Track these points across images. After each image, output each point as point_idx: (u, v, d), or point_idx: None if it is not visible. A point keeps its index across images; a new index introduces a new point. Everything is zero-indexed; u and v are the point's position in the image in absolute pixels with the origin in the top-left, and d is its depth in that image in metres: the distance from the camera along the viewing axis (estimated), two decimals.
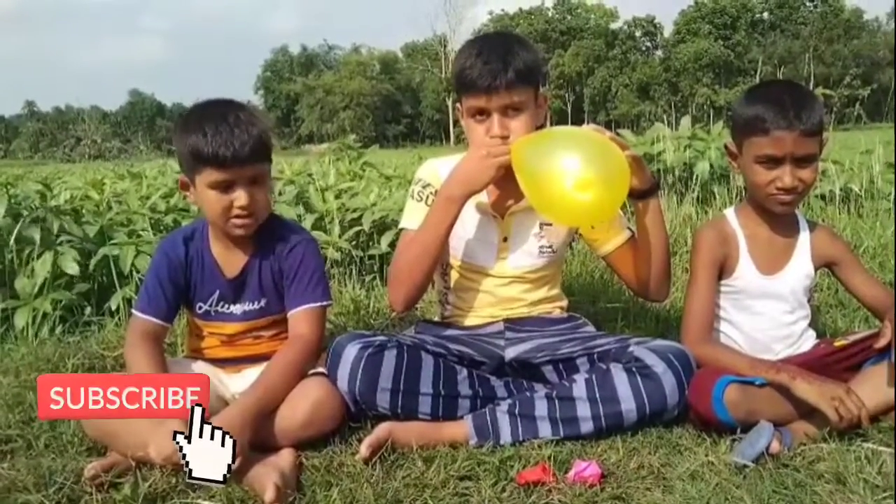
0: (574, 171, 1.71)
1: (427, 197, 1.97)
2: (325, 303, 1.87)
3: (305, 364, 1.79)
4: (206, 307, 1.88)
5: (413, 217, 1.97)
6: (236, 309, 1.88)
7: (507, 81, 1.78)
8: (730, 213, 1.95)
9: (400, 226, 2.02)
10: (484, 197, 1.94)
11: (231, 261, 1.86)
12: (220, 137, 1.67)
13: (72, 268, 2.87)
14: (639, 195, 1.85)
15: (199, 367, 1.89)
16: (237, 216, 1.75)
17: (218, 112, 1.73)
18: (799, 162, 1.75)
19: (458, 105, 1.94)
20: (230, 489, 1.51)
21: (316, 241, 1.97)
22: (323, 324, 1.88)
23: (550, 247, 2.01)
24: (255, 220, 1.79)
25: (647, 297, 2.07)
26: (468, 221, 1.97)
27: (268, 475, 1.48)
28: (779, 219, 1.87)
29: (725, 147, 1.94)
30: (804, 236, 1.91)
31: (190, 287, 1.87)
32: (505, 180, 1.82)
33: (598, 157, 1.74)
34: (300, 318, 1.84)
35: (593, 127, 1.81)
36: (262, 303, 1.88)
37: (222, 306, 1.88)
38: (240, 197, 1.73)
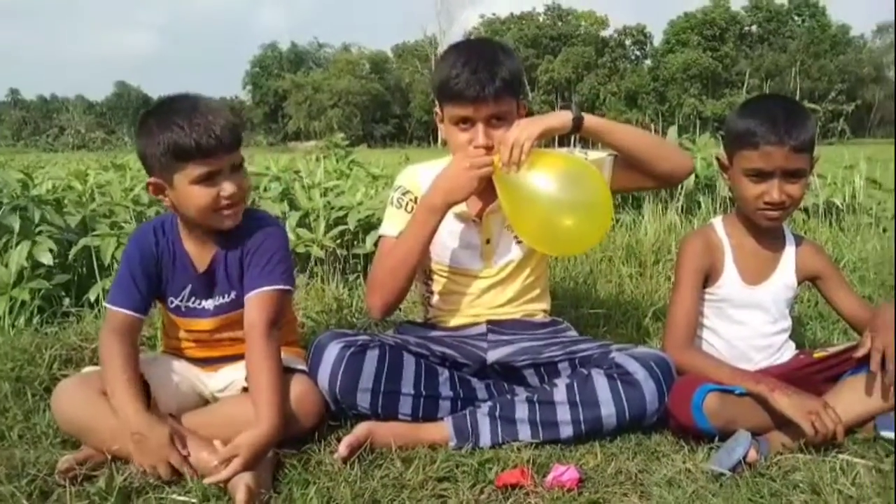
0: (556, 200, 1.75)
1: (406, 204, 1.97)
2: (279, 286, 1.75)
3: (273, 352, 1.69)
4: (177, 302, 1.84)
5: (393, 224, 1.97)
6: (208, 304, 1.84)
7: (494, 91, 1.78)
8: (717, 222, 1.96)
9: (379, 233, 2.02)
10: (463, 204, 1.94)
11: (201, 254, 1.82)
12: (198, 129, 1.62)
13: (46, 258, 2.83)
14: (574, 129, 1.81)
15: (177, 364, 1.87)
16: (226, 206, 1.70)
17: (184, 106, 1.68)
18: (788, 177, 1.76)
19: (436, 110, 1.94)
20: (205, 486, 1.49)
21: (282, 227, 1.91)
22: (277, 309, 1.74)
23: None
24: (241, 208, 1.75)
25: (677, 180, 1.98)
26: (449, 228, 1.97)
27: (240, 476, 1.46)
28: (765, 231, 1.89)
29: (717, 159, 1.95)
30: (790, 250, 1.93)
31: (162, 280, 1.82)
32: (483, 186, 1.83)
33: (581, 187, 1.77)
34: (251, 303, 1.74)
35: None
36: (233, 295, 1.83)
37: (194, 301, 1.84)
38: (226, 187, 1.68)
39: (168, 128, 1.63)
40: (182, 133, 1.62)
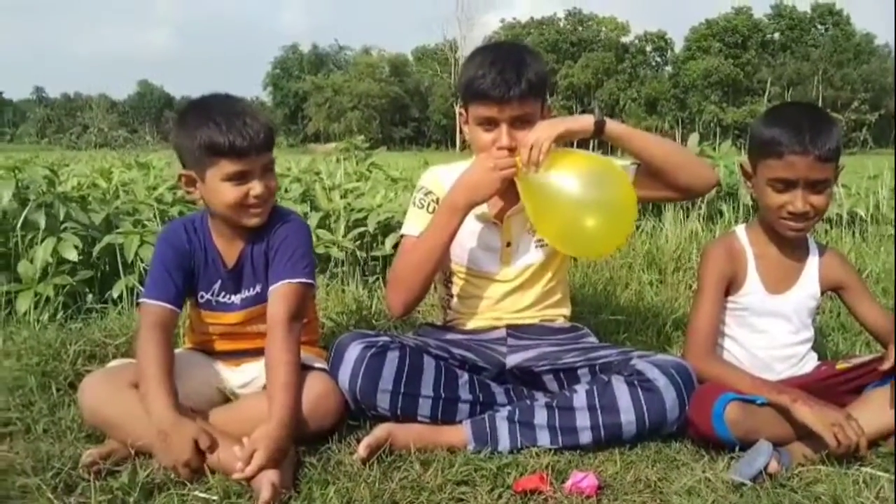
0: (579, 200, 1.75)
1: (429, 204, 1.98)
2: (303, 280, 1.79)
3: (293, 346, 1.71)
4: (207, 296, 1.87)
5: (414, 223, 1.97)
6: (236, 298, 1.87)
7: (520, 92, 1.79)
8: (740, 230, 1.95)
9: (401, 232, 2.03)
10: (484, 205, 1.94)
11: (230, 251, 1.86)
12: (234, 128, 1.68)
13: (71, 254, 2.87)
14: (596, 133, 1.81)
15: (201, 359, 1.90)
16: (253, 205, 1.75)
17: (224, 105, 1.75)
18: (812, 187, 1.75)
19: (461, 111, 1.95)
20: (227, 483, 1.51)
21: (306, 223, 1.95)
22: (299, 302, 1.78)
23: (542, 239, 2.00)
24: (268, 207, 1.80)
25: (699, 192, 1.98)
26: (470, 229, 1.98)
27: (265, 474, 1.48)
28: (789, 240, 1.87)
29: (740, 166, 1.94)
30: (813, 259, 1.92)
31: (194, 275, 1.87)
32: (505, 188, 1.84)
33: (604, 187, 1.77)
34: (274, 296, 1.77)
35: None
36: (258, 288, 1.86)
37: (223, 296, 1.87)
38: (255, 186, 1.73)
39: (205, 123, 1.69)
40: (218, 130, 1.68)
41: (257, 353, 1.84)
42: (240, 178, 1.72)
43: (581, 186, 1.76)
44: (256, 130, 1.71)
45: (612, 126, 1.82)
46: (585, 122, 1.81)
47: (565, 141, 1.84)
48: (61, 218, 3.06)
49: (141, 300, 1.81)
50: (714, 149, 5.23)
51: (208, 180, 1.74)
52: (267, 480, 1.45)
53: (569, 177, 1.75)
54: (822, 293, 1.93)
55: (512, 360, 1.93)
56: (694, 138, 5.30)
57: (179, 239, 1.85)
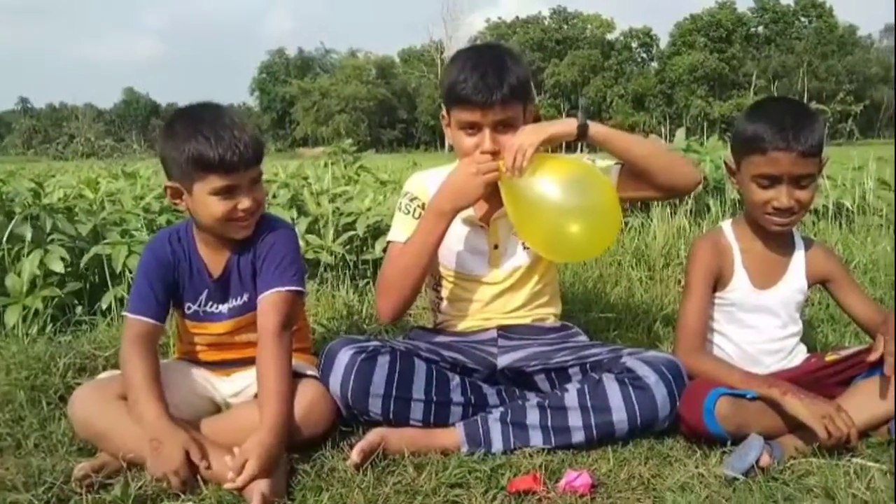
0: (562, 206, 1.76)
1: (414, 210, 1.98)
2: (292, 287, 1.77)
3: (283, 354, 1.70)
4: (194, 307, 1.86)
5: (400, 230, 1.97)
6: (224, 308, 1.86)
7: (502, 97, 1.78)
8: (726, 225, 1.96)
9: (388, 239, 2.03)
10: (470, 208, 1.94)
11: (216, 260, 1.84)
12: (224, 143, 1.65)
13: (58, 266, 2.85)
14: (580, 136, 1.81)
15: (190, 370, 1.89)
16: (241, 219, 1.73)
17: (212, 117, 1.71)
18: (796, 182, 1.76)
19: (443, 114, 1.95)
20: (220, 493, 1.50)
21: (294, 230, 1.93)
22: (289, 310, 1.76)
23: None
24: (255, 219, 1.78)
25: (683, 192, 1.99)
26: (457, 233, 1.98)
27: (256, 484, 1.47)
28: (774, 235, 1.88)
29: (724, 163, 1.95)
30: (799, 253, 1.93)
31: (178, 287, 1.85)
32: (490, 191, 1.84)
33: (587, 193, 1.78)
34: (264, 305, 1.75)
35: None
36: (245, 297, 1.85)
37: (210, 306, 1.86)
38: (243, 201, 1.71)
39: (194, 137, 1.65)
40: (207, 145, 1.64)
41: (247, 362, 1.83)
42: (228, 192, 1.70)
43: (563, 192, 1.76)
44: (246, 144, 1.67)
45: (595, 129, 1.82)
46: (569, 125, 1.81)
47: (552, 145, 1.84)
48: (48, 230, 3.04)
49: (124, 313, 1.81)
50: (701, 144, 5.25)
51: (195, 193, 1.71)
52: (258, 490, 1.44)
53: (551, 183, 1.75)
54: (810, 286, 1.94)
55: (503, 361, 1.93)
56: (681, 133, 5.32)
57: (163, 250, 1.84)
